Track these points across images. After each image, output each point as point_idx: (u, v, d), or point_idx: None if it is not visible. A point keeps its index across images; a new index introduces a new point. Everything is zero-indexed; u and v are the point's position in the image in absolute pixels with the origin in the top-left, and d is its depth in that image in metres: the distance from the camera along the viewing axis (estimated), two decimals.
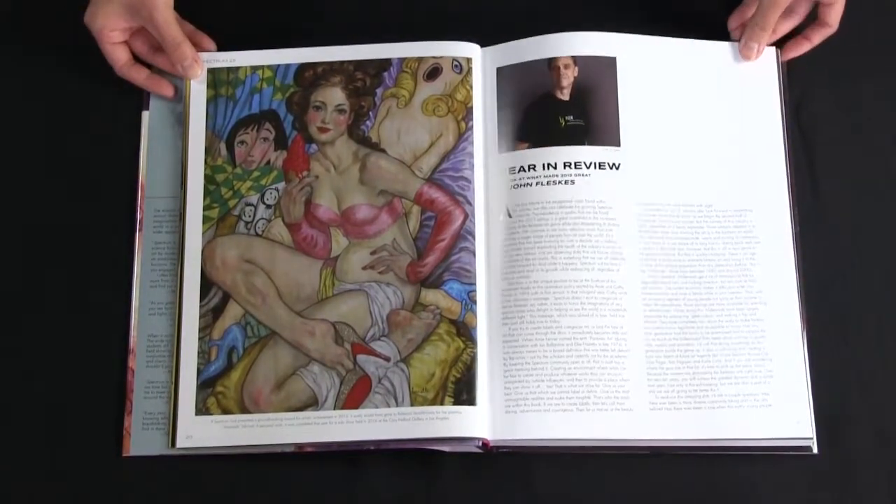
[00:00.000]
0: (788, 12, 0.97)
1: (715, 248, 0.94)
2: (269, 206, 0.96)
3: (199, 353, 0.92)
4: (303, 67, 0.99)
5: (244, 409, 0.91)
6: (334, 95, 0.99)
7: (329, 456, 0.90)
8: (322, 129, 0.98)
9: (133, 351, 0.93)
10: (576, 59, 0.97)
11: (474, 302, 0.92)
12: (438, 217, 0.95)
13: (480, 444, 0.89)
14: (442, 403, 0.89)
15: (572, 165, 0.95)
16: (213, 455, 0.90)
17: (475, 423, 0.89)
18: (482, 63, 0.99)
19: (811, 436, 0.89)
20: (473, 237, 0.94)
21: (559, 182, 0.95)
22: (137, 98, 0.99)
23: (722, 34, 1.00)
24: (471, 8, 1.03)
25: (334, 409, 0.90)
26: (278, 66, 0.99)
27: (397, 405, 0.90)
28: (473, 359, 0.91)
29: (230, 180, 0.97)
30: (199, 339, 0.93)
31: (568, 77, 0.97)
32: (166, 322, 0.94)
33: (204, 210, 0.96)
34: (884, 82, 1.00)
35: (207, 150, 0.97)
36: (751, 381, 0.90)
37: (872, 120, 0.99)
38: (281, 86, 0.99)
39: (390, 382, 0.91)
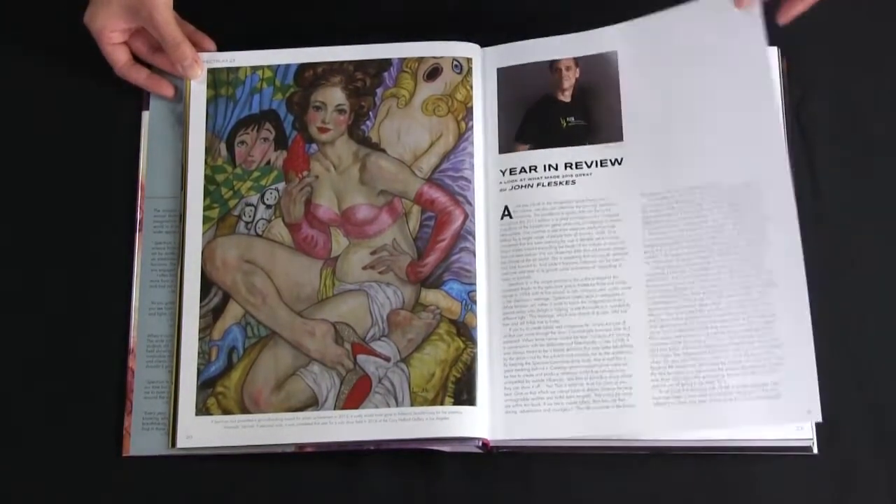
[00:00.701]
0: None
1: (724, 230, 0.92)
2: (269, 207, 0.96)
3: (199, 353, 0.92)
4: (303, 67, 0.99)
5: (244, 410, 0.91)
6: (334, 95, 0.99)
7: (329, 456, 0.90)
8: (322, 129, 0.98)
9: (133, 351, 0.93)
10: (577, 61, 0.97)
11: (474, 302, 0.92)
12: (438, 217, 0.95)
13: (480, 444, 0.89)
14: (442, 403, 0.89)
15: (573, 166, 0.95)
16: (213, 455, 0.90)
17: (475, 423, 0.89)
18: (482, 63, 0.99)
19: (811, 436, 0.89)
20: (473, 237, 0.94)
21: (560, 183, 0.95)
22: (137, 98, 0.99)
23: None
24: (471, 8, 1.03)
25: (334, 409, 0.90)
26: (278, 66, 0.99)
27: (397, 405, 0.90)
28: (473, 359, 0.91)
29: (230, 180, 0.97)
30: (200, 339, 0.93)
31: (570, 79, 0.97)
32: (166, 322, 0.94)
33: (204, 210, 0.96)
34: (884, 82, 1.00)
35: (207, 151, 0.97)
36: (759, 370, 0.89)
37: (872, 120, 0.99)
38: (281, 86, 0.99)
39: (390, 382, 0.91)
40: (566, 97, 0.97)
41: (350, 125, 0.98)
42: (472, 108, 0.97)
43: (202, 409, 0.91)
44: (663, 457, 0.90)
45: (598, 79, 0.97)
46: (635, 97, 0.96)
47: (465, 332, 0.92)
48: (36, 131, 1.00)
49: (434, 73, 0.98)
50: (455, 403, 0.89)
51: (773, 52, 0.99)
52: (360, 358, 0.92)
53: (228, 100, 0.99)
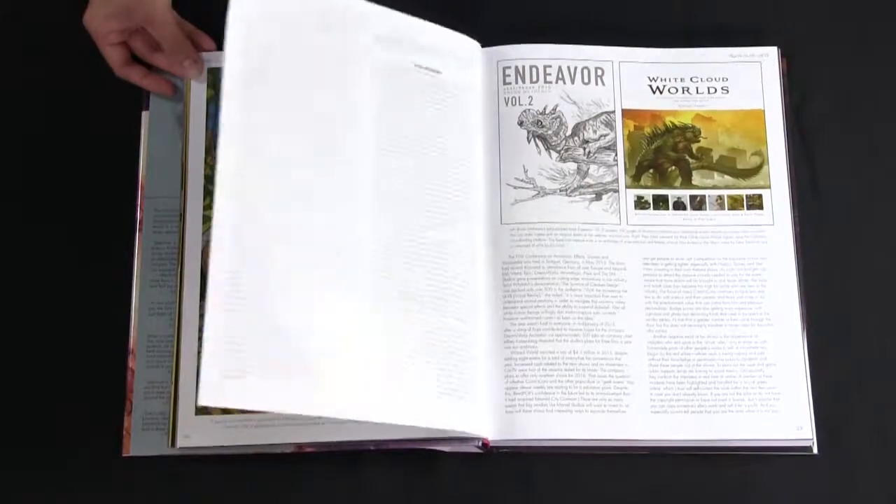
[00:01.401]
0: None
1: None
2: None
3: (199, 353, 0.92)
4: None
5: (244, 410, 0.90)
6: None
7: (329, 456, 0.90)
8: None
9: (133, 351, 0.93)
10: None
11: None
12: None
13: (480, 444, 0.89)
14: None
15: None
16: (213, 455, 0.90)
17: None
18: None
19: (811, 436, 0.89)
20: None
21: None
22: (137, 98, 0.99)
23: (722, 40, 1.00)
24: (471, 8, 1.03)
25: None
26: None
27: None
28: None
29: None
30: (200, 338, 0.92)
31: None
32: (166, 322, 0.93)
33: (204, 210, 0.96)
34: (884, 82, 1.00)
35: (207, 150, 0.97)
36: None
37: (873, 120, 0.99)
38: None
39: None
40: None
41: None
42: None
43: (202, 410, 0.91)
44: (663, 457, 0.90)
45: None
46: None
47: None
48: (36, 131, 1.00)
49: None
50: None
51: (773, 52, 0.99)
52: None
53: None
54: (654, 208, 0.96)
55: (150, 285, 0.95)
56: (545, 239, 0.93)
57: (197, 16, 1.00)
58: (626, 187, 0.96)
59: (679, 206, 0.96)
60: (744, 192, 0.96)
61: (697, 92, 0.99)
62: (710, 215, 0.96)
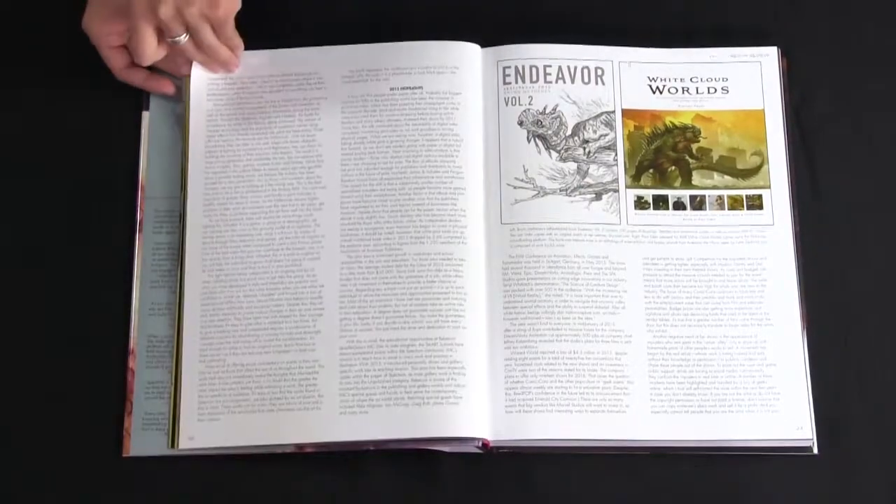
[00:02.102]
0: None
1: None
2: None
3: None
4: None
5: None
6: None
7: (329, 456, 0.90)
8: None
9: (133, 351, 0.93)
10: None
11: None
12: None
13: (480, 444, 0.89)
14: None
15: None
16: (213, 455, 0.90)
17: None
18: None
19: (811, 436, 0.89)
20: None
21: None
22: (137, 98, 0.99)
23: (722, 40, 1.00)
24: (471, 8, 1.03)
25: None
26: None
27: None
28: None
29: None
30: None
31: None
32: (166, 322, 0.93)
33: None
34: (884, 82, 1.00)
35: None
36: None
37: (872, 120, 0.99)
38: None
39: None
40: None
41: None
42: None
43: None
44: (663, 457, 0.90)
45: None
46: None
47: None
48: (35, 132, 1.00)
49: None
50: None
51: (773, 52, 0.99)
52: None
53: None
54: (654, 208, 0.96)
55: (150, 286, 0.95)
56: (545, 239, 0.93)
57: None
58: (626, 187, 0.96)
59: (679, 206, 0.96)
60: (744, 193, 0.96)
61: (697, 92, 0.99)
62: (710, 215, 0.96)
